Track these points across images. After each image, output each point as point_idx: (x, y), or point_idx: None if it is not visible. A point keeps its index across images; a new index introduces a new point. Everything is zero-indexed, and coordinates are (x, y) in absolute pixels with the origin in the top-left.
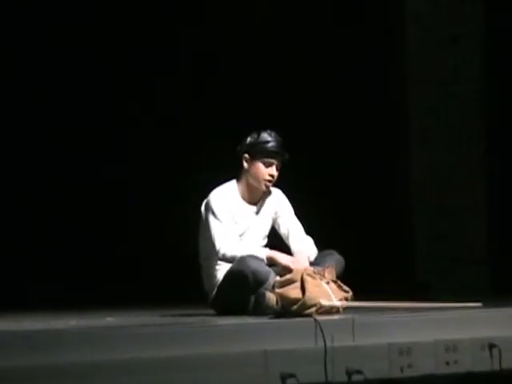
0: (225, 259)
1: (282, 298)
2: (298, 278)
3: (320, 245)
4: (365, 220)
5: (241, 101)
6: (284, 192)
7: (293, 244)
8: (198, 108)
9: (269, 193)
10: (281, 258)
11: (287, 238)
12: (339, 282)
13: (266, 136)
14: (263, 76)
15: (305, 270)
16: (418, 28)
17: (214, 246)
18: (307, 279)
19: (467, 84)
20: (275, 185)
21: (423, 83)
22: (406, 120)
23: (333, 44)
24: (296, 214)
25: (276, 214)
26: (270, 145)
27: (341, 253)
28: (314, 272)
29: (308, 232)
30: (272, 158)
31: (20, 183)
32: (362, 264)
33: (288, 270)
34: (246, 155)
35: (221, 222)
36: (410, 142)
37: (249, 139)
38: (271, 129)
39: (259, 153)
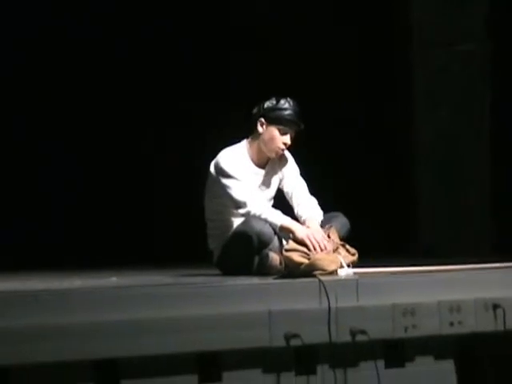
0: (247, 216)
1: (287, 261)
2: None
3: (325, 206)
4: (370, 182)
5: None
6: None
7: (297, 205)
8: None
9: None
10: (298, 230)
11: (291, 197)
12: (347, 246)
13: (284, 103)
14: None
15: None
16: None
17: (235, 202)
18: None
19: (474, 44)
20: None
21: (429, 44)
22: (411, 81)
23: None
24: (301, 174)
25: (282, 174)
26: (287, 113)
27: (346, 215)
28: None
29: (313, 193)
30: (288, 126)
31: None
32: (367, 226)
33: (303, 244)
34: (262, 119)
35: (236, 179)
36: (417, 103)
37: (267, 104)
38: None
39: (276, 119)
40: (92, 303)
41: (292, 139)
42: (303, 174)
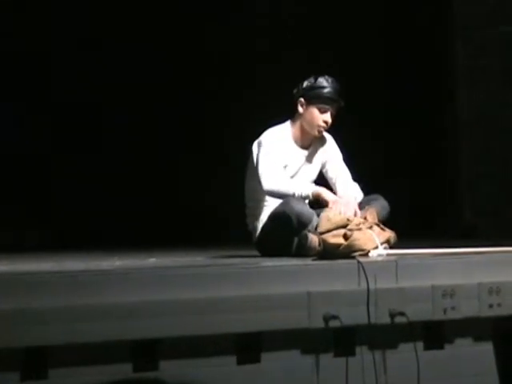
0: (270, 193)
1: (324, 243)
2: (340, 224)
3: (366, 188)
4: (409, 160)
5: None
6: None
7: (339, 188)
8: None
9: (320, 138)
10: (328, 194)
11: (334, 183)
12: (381, 225)
13: (323, 81)
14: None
15: (347, 219)
16: None
17: (259, 181)
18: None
19: None
20: (327, 130)
21: (470, 24)
22: (453, 60)
23: None
24: (343, 158)
25: (325, 158)
26: (326, 91)
27: (386, 196)
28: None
29: (354, 174)
30: (327, 104)
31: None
32: (406, 205)
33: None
34: (302, 99)
35: (271, 159)
36: (458, 82)
37: (306, 83)
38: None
39: (315, 98)
40: (131, 284)
41: (333, 117)
42: (345, 157)
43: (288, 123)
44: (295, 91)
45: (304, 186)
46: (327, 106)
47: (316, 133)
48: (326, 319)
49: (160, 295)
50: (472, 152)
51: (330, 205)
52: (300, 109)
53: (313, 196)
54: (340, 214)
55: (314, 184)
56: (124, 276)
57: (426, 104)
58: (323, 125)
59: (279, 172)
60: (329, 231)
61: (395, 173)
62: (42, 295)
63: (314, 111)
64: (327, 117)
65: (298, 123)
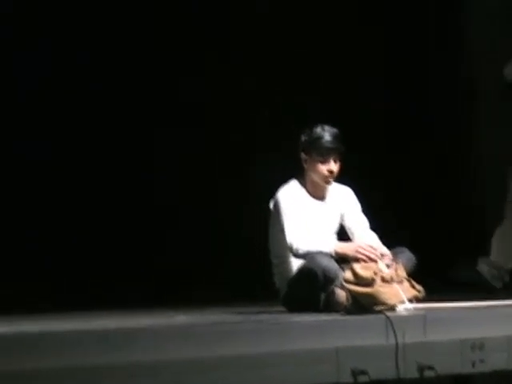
0: (298, 255)
1: (351, 292)
2: (369, 276)
3: (388, 241)
4: (434, 210)
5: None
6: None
7: (357, 237)
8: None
9: (337, 189)
10: (347, 248)
11: (352, 233)
12: (412, 282)
13: (318, 132)
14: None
15: (374, 272)
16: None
17: (285, 242)
18: (377, 281)
19: None
20: (345, 183)
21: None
22: (473, 97)
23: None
24: (363, 210)
25: (343, 209)
26: (323, 141)
27: (411, 248)
28: (386, 264)
29: (375, 227)
30: (327, 154)
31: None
32: (432, 256)
33: (356, 259)
34: (303, 154)
35: (291, 217)
36: (479, 123)
37: (303, 137)
38: (325, 121)
39: (314, 150)
40: (163, 341)
41: (338, 162)
42: (364, 209)
43: (300, 177)
44: (299, 146)
45: (326, 246)
46: (328, 156)
47: (324, 184)
48: (355, 374)
49: (188, 353)
50: (495, 196)
51: (357, 255)
52: (304, 164)
53: (335, 254)
54: (367, 259)
55: (335, 236)
56: (156, 333)
57: (444, 147)
58: (328, 174)
59: (303, 232)
60: (352, 283)
61: (416, 221)
62: (72, 354)
63: (317, 164)
64: (330, 166)
65: (307, 177)
